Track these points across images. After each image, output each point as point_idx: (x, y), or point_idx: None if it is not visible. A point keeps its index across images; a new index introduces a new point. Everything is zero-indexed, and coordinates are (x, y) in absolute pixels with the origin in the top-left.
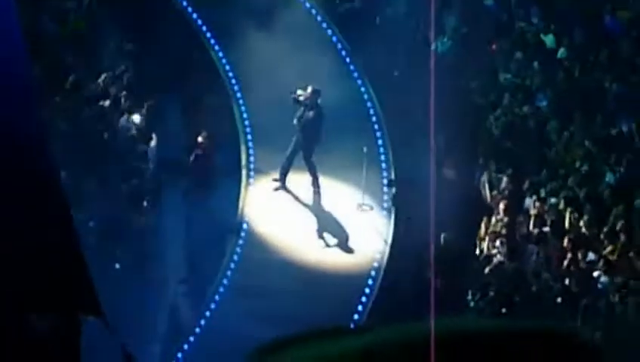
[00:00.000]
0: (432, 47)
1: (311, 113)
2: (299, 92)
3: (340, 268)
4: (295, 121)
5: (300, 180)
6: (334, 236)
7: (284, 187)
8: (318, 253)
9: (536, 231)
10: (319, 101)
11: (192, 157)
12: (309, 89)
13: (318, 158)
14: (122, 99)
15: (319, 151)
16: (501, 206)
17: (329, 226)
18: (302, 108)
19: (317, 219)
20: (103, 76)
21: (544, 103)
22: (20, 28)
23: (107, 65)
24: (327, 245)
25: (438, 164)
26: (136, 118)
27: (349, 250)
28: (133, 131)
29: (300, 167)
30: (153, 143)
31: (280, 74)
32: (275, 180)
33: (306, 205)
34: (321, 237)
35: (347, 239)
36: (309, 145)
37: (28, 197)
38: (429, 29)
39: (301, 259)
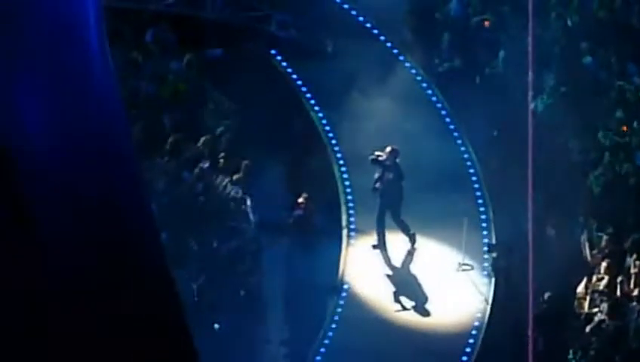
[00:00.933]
0: (531, 106)
1: (391, 174)
2: (377, 153)
3: (441, 328)
4: (376, 183)
5: (398, 241)
6: (435, 296)
7: (384, 251)
8: (418, 313)
9: (637, 290)
10: (398, 160)
11: (292, 219)
12: (388, 148)
13: (419, 219)
14: (221, 161)
15: (420, 211)
16: (603, 264)
17: (429, 286)
18: (381, 169)
19: (416, 279)
20: (202, 139)
21: None
22: (119, 90)
23: (207, 127)
24: (427, 305)
25: (538, 223)
26: (235, 178)
27: (450, 310)
28: (232, 192)
29: (396, 228)
30: (249, 203)
31: (380, 134)
32: (375, 246)
33: (405, 265)
34: (420, 297)
35: (448, 299)
36: (394, 205)
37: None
38: (528, 89)
39: (401, 320)
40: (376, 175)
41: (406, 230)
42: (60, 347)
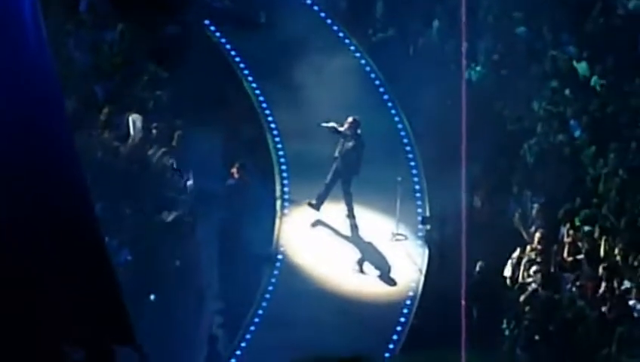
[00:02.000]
0: (465, 75)
1: (350, 143)
2: (332, 123)
3: (375, 297)
4: (337, 152)
5: (335, 210)
6: (369, 266)
7: (318, 212)
8: (353, 283)
9: (570, 259)
10: (359, 131)
11: (225, 188)
12: (349, 119)
13: (354, 188)
14: (154, 131)
15: (355, 181)
16: (536, 235)
17: (364, 256)
18: (341, 140)
19: (352, 248)
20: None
21: (578, 132)
22: (52, 62)
23: (140, 98)
24: (362, 275)
25: (471, 193)
26: (169, 148)
27: (384, 280)
28: (167, 162)
29: (336, 196)
30: (184, 173)
31: (313, 104)
32: (311, 204)
33: (340, 235)
34: (356, 267)
35: (382, 269)
36: (348, 175)
37: (63, 230)
38: (461, 58)
39: (336, 289)
40: (339, 144)
41: (349, 202)
42: None
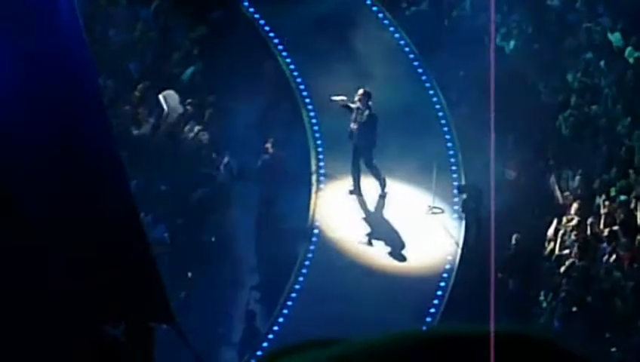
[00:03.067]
0: (492, 46)
1: (364, 116)
2: (340, 97)
3: (411, 271)
4: (351, 126)
5: (369, 185)
6: (404, 239)
7: (359, 195)
8: (388, 257)
9: (607, 230)
10: (370, 103)
11: (260, 163)
12: (360, 91)
13: (389, 163)
14: (189, 108)
15: (390, 155)
16: (573, 206)
17: (400, 230)
18: (354, 113)
19: (386, 222)
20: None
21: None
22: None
23: (174, 74)
24: (398, 249)
25: (506, 165)
26: (203, 125)
27: (421, 253)
28: (202, 138)
29: (368, 172)
30: (219, 150)
31: (348, 80)
32: (351, 192)
33: (376, 209)
34: (391, 241)
35: (417, 242)
36: (367, 149)
37: (100, 208)
38: (491, 30)
39: (372, 264)
40: (352, 118)
41: (377, 175)
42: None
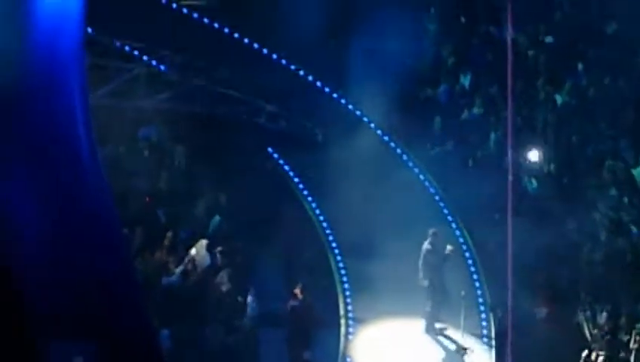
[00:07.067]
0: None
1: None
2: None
3: None
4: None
5: (396, 326)
6: None
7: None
8: None
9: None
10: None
11: (289, 309)
12: (430, 231)
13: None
14: (218, 255)
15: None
16: (602, 341)
17: None
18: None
19: None
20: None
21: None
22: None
23: (201, 222)
24: None
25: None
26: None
27: None
28: (228, 286)
29: (396, 312)
30: (250, 298)
31: (374, 223)
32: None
33: (406, 350)
34: None
35: None
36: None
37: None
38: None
39: None
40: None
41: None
42: None
